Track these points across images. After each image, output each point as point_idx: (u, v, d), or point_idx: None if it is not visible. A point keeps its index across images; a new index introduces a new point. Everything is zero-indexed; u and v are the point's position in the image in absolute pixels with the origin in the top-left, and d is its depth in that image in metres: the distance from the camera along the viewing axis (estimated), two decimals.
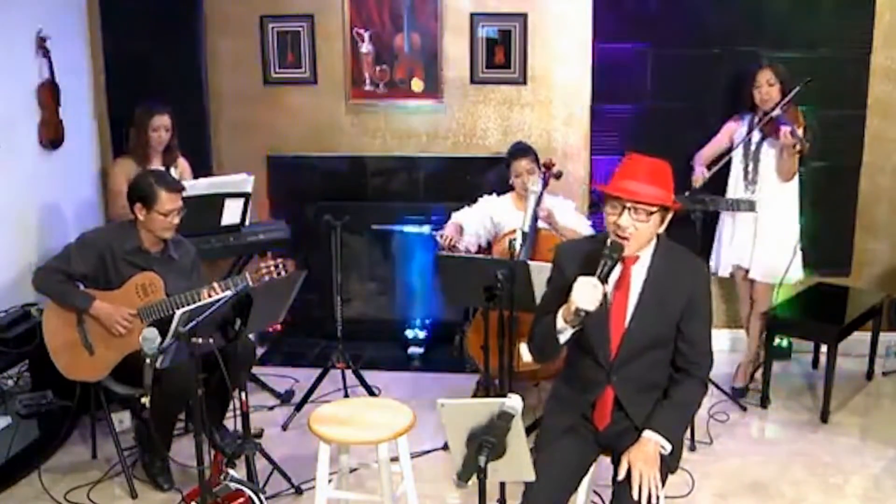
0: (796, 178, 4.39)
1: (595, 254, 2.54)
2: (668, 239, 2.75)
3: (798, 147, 4.15)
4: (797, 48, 4.69)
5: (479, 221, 4.34)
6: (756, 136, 4.34)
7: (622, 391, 2.70)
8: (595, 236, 2.65)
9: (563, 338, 2.60)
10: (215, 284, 3.61)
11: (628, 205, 2.54)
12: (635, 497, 2.51)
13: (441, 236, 4.22)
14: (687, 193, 4.29)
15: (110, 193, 4.67)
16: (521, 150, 4.34)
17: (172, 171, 4.41)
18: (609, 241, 2.56)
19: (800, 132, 4.15)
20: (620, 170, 2.63)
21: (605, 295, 2.54)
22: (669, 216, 2.64)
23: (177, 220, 3.67)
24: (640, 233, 2.57)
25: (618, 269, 2.64)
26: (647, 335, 2.67)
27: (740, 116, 4.47)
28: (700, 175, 4.40)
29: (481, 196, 4.47)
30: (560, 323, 2.56)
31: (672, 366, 2.74)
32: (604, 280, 2.50)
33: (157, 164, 4.39)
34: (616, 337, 2.68)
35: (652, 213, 2.56)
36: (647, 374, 2.71)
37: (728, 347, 5.11)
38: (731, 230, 4.52)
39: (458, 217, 4.37)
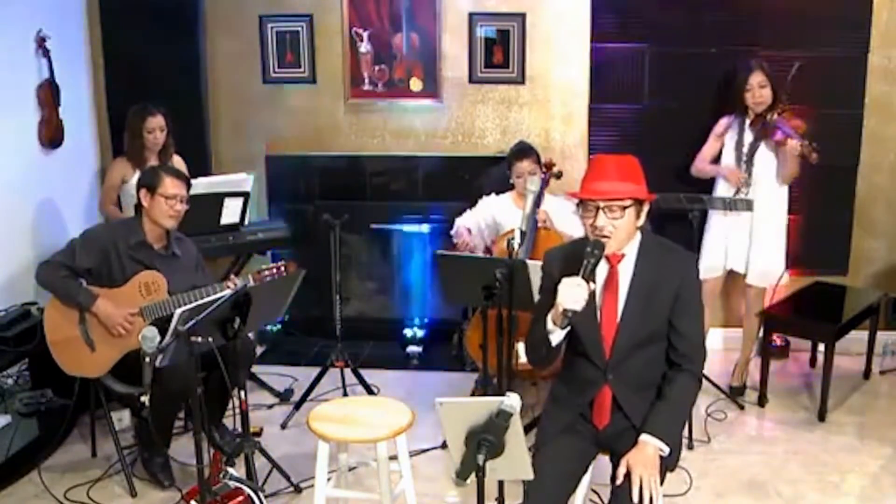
0: None
1: (579, 255, 2.56)
2: (656, 234, 2.77)
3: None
4: (795, 48, 4.69)
5: (484, 223, 4.34)
6: (748, 137, 4.31)
7: (619, 390, 2.72)
8: (580, 239, 2.66)
9: (554, 339, 2.60)
10: (229, 282, 3.66)
11: (601, 205, 2.57)
12: (635, 500, 2.51)
13: (459, 244, 4.23)
14: (735, 195, 4.30)
15: (102, 189, 4.68)
16: (524, 150, 4.32)
17: None
18: (591, 240, 2.58)
19: (805, 142, 4.09)
20: (589, 173, 2.67)
21: (591, 294, 2.56)
22: (646, 209, 2.66)
23: (179, 208, 3.70)
24: (619, 230, 2.60)
25: (605, 269, 2.67)
26: (639, 332, 2.68)
27: (729, 119, 4.42)
28: (738, 174, 4.30)
29: (480, 196, 4.47)
30: (549, 324, 2.58)
31: (665, 360, 2.75)
32: (588, 279, 2.52)
33: (152, 164, 4.40)
34: (608, 337, 2.69)
35: (626, 207, 2.58)
36: (642, 371, 2.72)
37: (724, 346, 5.12)
38: (724, 234, 4.44)
39: (463, 222, 4.36)
